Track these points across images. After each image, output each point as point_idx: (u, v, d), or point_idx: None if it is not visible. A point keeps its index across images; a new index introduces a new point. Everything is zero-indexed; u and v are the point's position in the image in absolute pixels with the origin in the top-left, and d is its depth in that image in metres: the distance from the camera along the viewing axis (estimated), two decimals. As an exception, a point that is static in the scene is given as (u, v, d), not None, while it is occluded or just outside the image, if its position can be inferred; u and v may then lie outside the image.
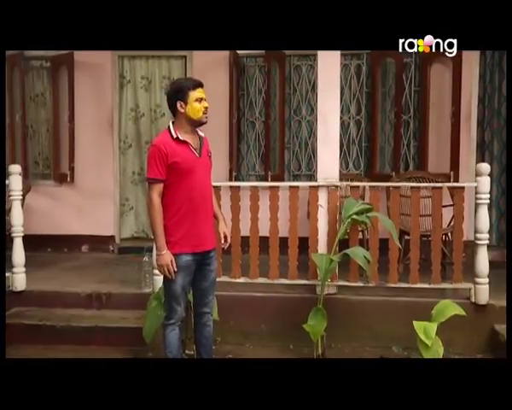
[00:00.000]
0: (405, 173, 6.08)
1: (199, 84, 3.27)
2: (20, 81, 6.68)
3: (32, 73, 7.00)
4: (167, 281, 3.28)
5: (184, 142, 3.22)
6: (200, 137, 3.33)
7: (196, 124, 3.27)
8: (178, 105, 3.21)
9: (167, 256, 3.18)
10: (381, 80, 6.48)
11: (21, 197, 4.92)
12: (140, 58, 6.84)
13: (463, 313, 3.70)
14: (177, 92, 3.24)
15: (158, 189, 3.18)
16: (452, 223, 4.63)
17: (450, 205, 4.65)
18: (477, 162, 5.60)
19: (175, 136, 3.20)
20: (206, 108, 3.24)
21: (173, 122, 3.28)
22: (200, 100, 3.22)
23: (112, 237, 6.87)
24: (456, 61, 5.90)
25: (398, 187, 4.69)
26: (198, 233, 3.25)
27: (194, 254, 3.26)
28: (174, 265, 3.19)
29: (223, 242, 3.51)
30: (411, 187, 4.65)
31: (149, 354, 4.21)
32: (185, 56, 6.68)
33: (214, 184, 3.58)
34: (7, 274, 4.86)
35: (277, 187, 4.67)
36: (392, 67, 6.45)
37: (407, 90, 6.45)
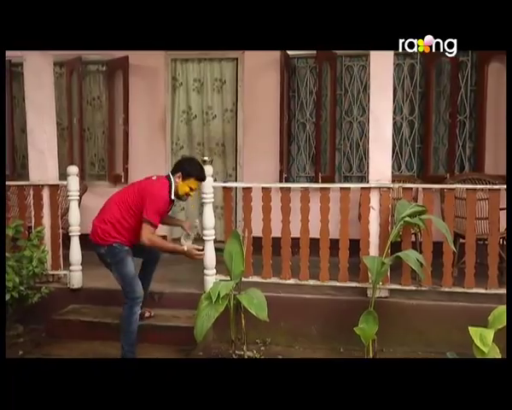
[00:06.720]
0: (460, 175, 5.91)
1: (202, 179, 4.21)
2: (77, 85, 6.94)
3: (89, 77, 7.21)
4: None
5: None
6: None
7: (176, 197, 4.12)
8: (177, 175, 4.09)
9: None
10: (435, 80, 6.34)
11: (78, 198, 5.04)
12: (192, 61, 6.93)
13: (522, 319, 3.56)
14: (187, 170, 4.11)
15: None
16: (511, 226, 4.46)
17: (509, 208, 4.49)
18: (538, 163, 5.38)
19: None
20: (189, 195, 4.16)
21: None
22: (191, 189, 4.10)
23: (164, 237, 6.97)
24: (516, 59, 5.69)
25: (453, 189, 4.57)
26: None
27: None
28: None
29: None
30: (467, 189, 4.52)
31: (200, 354, 4.27)
32: (237, 58, 6.72)
33: (265, 185, 3.63)
34: (65, 272, 5.04)
35: (328, 188, 4.63)
36: (447, 66, 6.29)
37: (463, 89, 6.28)
